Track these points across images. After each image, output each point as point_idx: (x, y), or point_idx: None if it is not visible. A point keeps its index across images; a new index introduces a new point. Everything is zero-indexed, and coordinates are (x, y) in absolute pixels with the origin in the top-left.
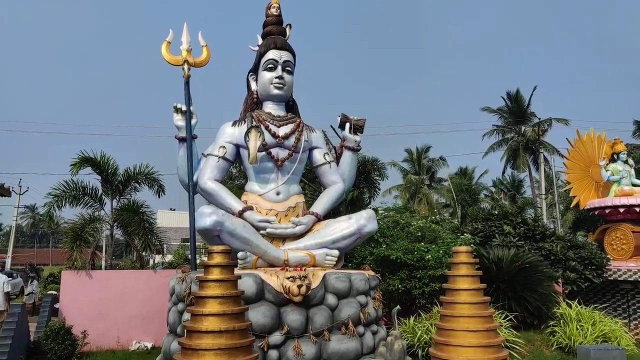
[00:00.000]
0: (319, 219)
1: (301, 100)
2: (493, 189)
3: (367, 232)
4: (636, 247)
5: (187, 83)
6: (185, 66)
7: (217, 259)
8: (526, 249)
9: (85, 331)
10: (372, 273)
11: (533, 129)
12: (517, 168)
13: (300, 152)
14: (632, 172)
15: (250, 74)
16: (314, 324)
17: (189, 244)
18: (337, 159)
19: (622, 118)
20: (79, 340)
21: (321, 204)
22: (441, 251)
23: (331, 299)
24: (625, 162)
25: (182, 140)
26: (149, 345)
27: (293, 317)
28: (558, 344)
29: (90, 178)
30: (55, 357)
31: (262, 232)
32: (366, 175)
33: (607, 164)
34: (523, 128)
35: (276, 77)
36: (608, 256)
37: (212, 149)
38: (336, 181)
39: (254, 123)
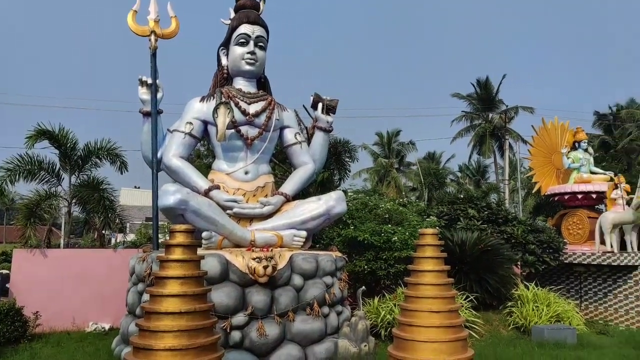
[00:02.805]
0: (288, 199)
1: (274, 78)
2: (459, 174)
3: (336, 214)
4: (591, 232)
5: (153, 55)
6: (152, 37)
7: (179, 239)
8: (489, 233)
9: (37, 312)
10: (340, 254)
11: (500, 116)
12: (483, 154)
13: (271, 130)
14: (591, 160)
15: (221, 48)
16: (279, 304)
17: (152, 222)
18: (309, 139)
19: (584, 108)
20: (30, 322)
21: (291, 185)
22: (407, 233)
23: (297, 280)
24: (586, 150)
25: (146, 114)
26: (107, 327)
27: (258, 297)
28: (515, 324)
29: (47, 152)
30: (4, 339)
31: (228, 212)
32: (337, 157)
33: (568, 152)
34: (490, 115)
35: (248, 53)
36: (565, 240)
37: (178, 124)
38: (307, 162)
39: (224, 99)
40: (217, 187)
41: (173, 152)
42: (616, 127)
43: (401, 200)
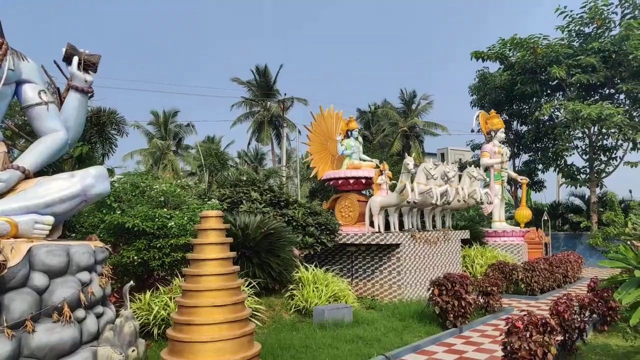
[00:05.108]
0: (28, 175)
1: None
2: (238, 160)
3: (95, 194)
4: (360, 214)
5: None
6: None
7: None
8: (271, 216)
9: None
10: (100, 244)
11: (278, 105)
12: (261, 141)
13: (1, 83)
14: (361, 148)
15: None
16: (11, 313)
17: None
18: (61, 102)
19: (350, 104)
20: None
21: (32, 157)
22: (186, 218)
23: (39, 279)
24: (356, 139)
25: None
26: None
27: None
28: (296, 307)
29: None
30: None
31: None
32: (100, 129)
33: (342, 140)
34: (269, 103)
35: None
36: (339, 222)
37: None
38: (56, 128)
39: None
40: None
41: None
42: (374, 123)
43: (180, 181)
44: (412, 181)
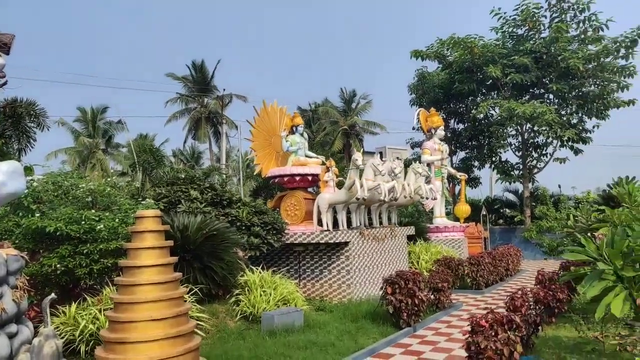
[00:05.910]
0: None
1: None
2: (173, 159)
3: (7, 194)
4: (307, 212)
5: None
6: None
7: None
8: (213, 216)
9: None
10: (15, 252)
11: (217, 101)
12: (199, 139)
13: None
14: (307, 144)
15: None
16: None
17: None
18: None
19: (292, 102)
20: None
21: None
22: (117, 219)
23: None
24: (302, 135)
25: None
26: None
27: None
28: (242, 313)
29: None
30: None
31: None
32: (16, 120)
33: (287, 135)
34: (206, 100)
35: None
36: (286, 221)
37: None
38: None
39: None
40: None
41: None
42: (314, 121)
43: (110, 179)
44: (360, 177)
